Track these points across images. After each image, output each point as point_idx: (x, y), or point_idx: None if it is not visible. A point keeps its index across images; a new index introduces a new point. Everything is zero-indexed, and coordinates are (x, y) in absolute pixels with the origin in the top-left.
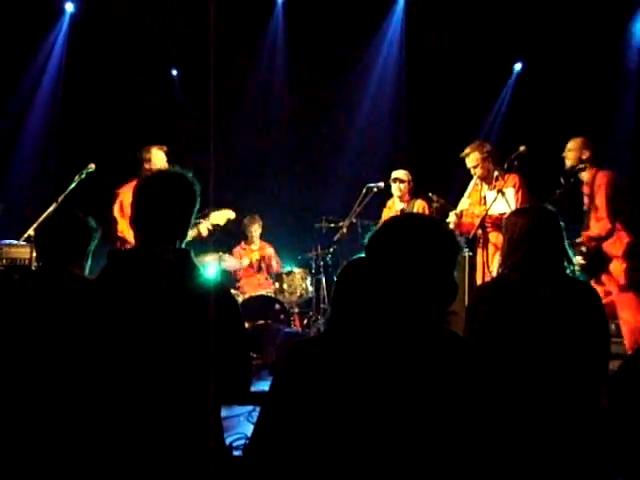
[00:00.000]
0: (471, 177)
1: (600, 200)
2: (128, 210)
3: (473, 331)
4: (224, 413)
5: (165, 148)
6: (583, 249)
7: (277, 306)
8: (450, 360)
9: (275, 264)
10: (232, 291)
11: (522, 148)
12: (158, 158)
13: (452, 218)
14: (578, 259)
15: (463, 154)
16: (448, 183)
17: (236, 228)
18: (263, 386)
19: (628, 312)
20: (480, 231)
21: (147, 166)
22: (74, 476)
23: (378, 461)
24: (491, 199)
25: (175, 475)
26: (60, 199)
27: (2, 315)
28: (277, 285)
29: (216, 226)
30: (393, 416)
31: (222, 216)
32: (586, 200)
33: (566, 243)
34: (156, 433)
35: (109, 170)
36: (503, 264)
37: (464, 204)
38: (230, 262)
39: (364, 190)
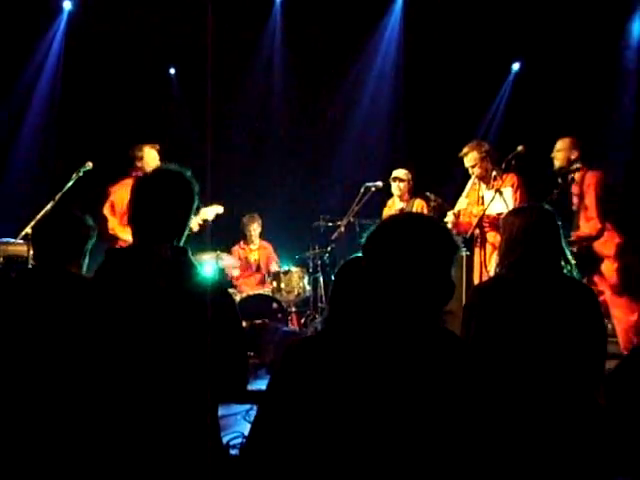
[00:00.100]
0: (469, 177)
1: (590, 200)
2: (119, 208)
3: (470, 330)
4: (221, 412)
5: (157, 146)
6: (574, 249)
7: (275, 305)
8: (447, 359)
9: (274, 264)
10: (230, 290)
11: (520, 148)
12: (150, 157)
13: (450, 218)
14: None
15: (461, 153)
16: (446, 182)
17: (235, 227)
18: (260, 385)
19: (620, 311)
20: (478, 231)
21: (139, 164)
22: (72, 474)
23: (375, 460)
24: (489, 199)
25: (171, 474)
26: (57, 197)
27: None
28: (275, 284)
29: (205, 221)
30: (390, 415)
31: (211, 211)
32: (575, 200)
33: (563, 242)
34: (153, 432)
35: (106, 168)
36: (501, 264)
37: (462, 204)
38: (228, 260)
39: (362, 189)
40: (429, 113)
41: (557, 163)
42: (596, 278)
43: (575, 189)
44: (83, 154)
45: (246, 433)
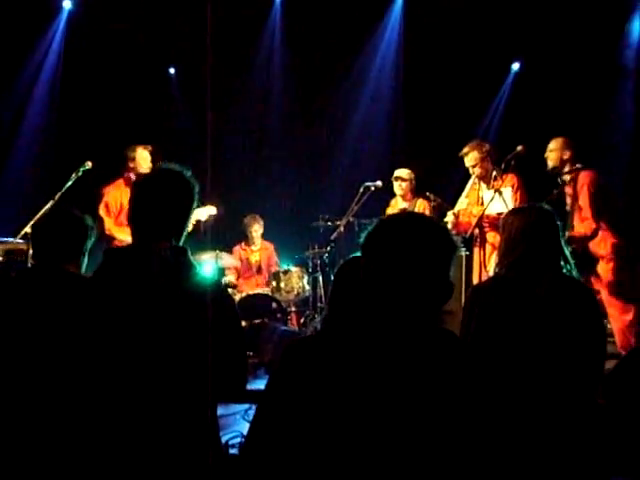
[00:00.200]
0: (469, 177)
1: (584, 200)
2: (114, 208)
3: (470, 330)
4: (220, 411)
5: (150, 148)
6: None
7: (274, 305)
8: (446, 359)
9: (274, 265)
10: (229, 290)
11: (520, 148)
12: (142, 157)
13: (450, 218)
14: None
15: (462, 153)
16: (446, 183)
17: (235, 226)
18: (259, 384)
19: (615, 311)
20: (477, 230)
21: (131, 165)
22: (72, 474)
23: (374, 460)
24: (488, 199)
25: (171, 473)
26: (57, 197)
27: None
28: (274, 284)
29: (198, 222)
30: (389, 415)
31: (204, 212)
32: (569, 200)
33: (563, 242)
34: (152, 432)
35: (106, 168)
36: (500, 263)
37: (462, 204)
38: (227, 260)
39: (361, 189)
40: (429, 113)
41: (550, 163)
42: (592, 278)
43: (568, 189)
44: (83, 153)
45: (245, 433)
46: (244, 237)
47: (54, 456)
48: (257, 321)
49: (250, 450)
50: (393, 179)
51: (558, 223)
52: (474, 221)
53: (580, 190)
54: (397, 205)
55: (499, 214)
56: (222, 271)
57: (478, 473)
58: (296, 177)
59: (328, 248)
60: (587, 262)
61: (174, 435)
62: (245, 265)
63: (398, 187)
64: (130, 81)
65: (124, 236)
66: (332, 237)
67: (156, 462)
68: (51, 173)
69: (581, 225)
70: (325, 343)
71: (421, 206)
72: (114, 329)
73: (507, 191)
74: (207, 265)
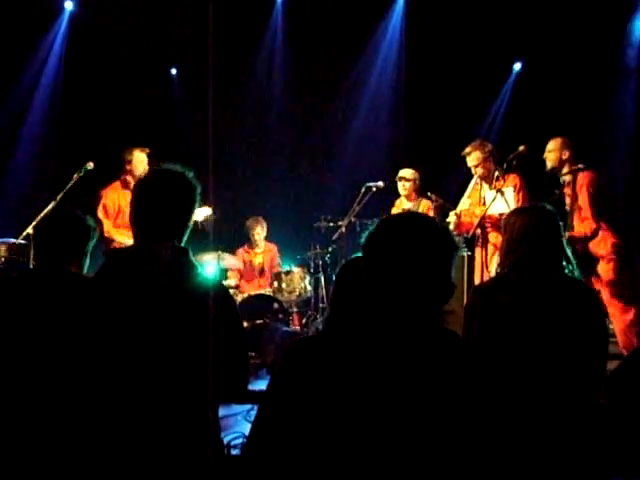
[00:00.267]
0: (471, 177)
1: (583, 200)
2: (112, 210)
3: (471, 330)
4: (222, 412)
5: (147, 150)
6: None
7: (276, 305)
8: (448, 359)
9: (276, 266)
10: (231, 290)
11: (521, 148)
12: (139, 160)
13: (452, 218)
14: None
15: (464, 152)
16: (448, 183)
17: (237, 227)
18: (261, 385)
19: (616, 311)
20: (479, 231)
21: (128, 167)
22: (72, 474)
23: (376, 460)
24: (490, 199)
25: (172, 474)
26: (59, 197)
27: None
28: (276, 284)
29: (195, 223)
30: (391, 415)
31: (200, 213)
32: (568, 201)
33: (564, 242)
34: (153, 433)
35: (107, 168)
36: (502, 264)
37: (464, 204)
38: (229, 261)
39: (363, 189)
40: (430, 113)
41: (549, 164)
42: (592, 278)
43: (567, 190)
44: (84, 154)
45: (247, 433)
46: (247, 240)
47: (56, 457)
48: (259, 322)
49: (252, 451)
50: (397, 179)
51: (560, 223)
52: (476, 221)
53: (579, 190)
54: (401, 205)
55: (501, 214)
56: (224, 272)
57: (480, 473)
58: (298, 178)
59: (330, 249)
60: (587, 262)
61: (176, 436)
62: (248, 268)
63: (402, 187)
64: (131, 82)
65: (123, 238)
66: (334, 237)
67: (158, 463)
68: (53, 174)
69: (581, 225)
70: (327, 343)
71: (425, 206)
72: (116, 330)
73: (509, 191)
74: (209, 266)
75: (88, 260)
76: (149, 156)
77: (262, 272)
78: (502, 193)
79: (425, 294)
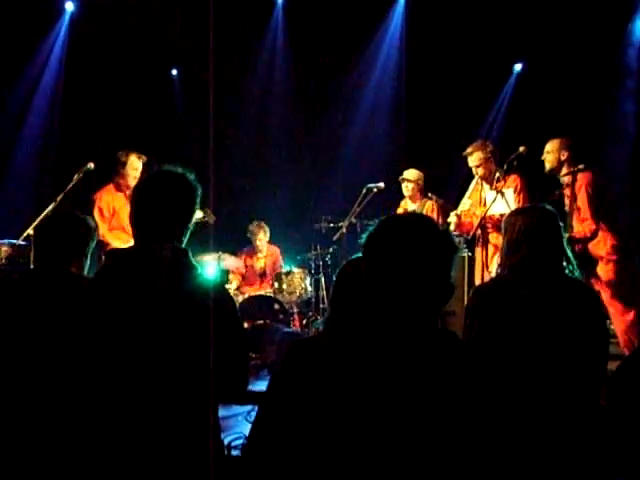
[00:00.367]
0: (472, 178)
1: (582, 201)
2: (107, 214)
3: (472, 331)
4: (222, 413)
5: (144, 158)
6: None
7: (276, 306)
8: (448, 360)
9: (279, 268)
10: (231, 291)
11: (522, 149)
12: (133, 166)
13: (453, 219)
14: None
15: (466, 152)
16: (448, 184)
17: (238, 228)
18: (262, 386)
19: (616, 312)
20: (480, 231)
21: (121, 170)
22: (73, 475)
23: (376, 460)
24: (491, 200)
25: (173, 475)
26: (59, 198)
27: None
28: (276, 285)
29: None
30: (391, 416)
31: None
32: (567, 201)
33: (565, 243)
34: (154, 433)
35: (108, 169)
36: (502, 264)
37: (465, 205)
38: (230, 261)
39: (364, 190)
40: (431, 114)
41: (548, 165)
42: (592, 279)
43: (566, 191)
44: (85, 155)
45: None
46: (249, 243)
47: (56, 458)
48: (259, 322)
49: (252, 451)
50: (400, 180)
51: (560, 224)
52: (476, 222)
53: (578, 191)
54: (406, 206)
55: (501, 215)
56: (226, 274)
57: (481, 474)
58: (298, 179)
59: (330, 249)
60: (587, 263)
61: (176, 437)
62: (250, 271)
63: (405, 188)
64: (132, 83)
65: (118, 242)
66: (334, 238)
67: (158, 464)
68: (54, 175)
69: (580, 226)
70: (327, 344)
71: (428, 208)
72: (116, 330)
73: (509, 192)
74: (209, 266)
75: (88, 261)
76: (146, 164)
77: (264, 275)
78: (502, 194)
79: (425, 295)
